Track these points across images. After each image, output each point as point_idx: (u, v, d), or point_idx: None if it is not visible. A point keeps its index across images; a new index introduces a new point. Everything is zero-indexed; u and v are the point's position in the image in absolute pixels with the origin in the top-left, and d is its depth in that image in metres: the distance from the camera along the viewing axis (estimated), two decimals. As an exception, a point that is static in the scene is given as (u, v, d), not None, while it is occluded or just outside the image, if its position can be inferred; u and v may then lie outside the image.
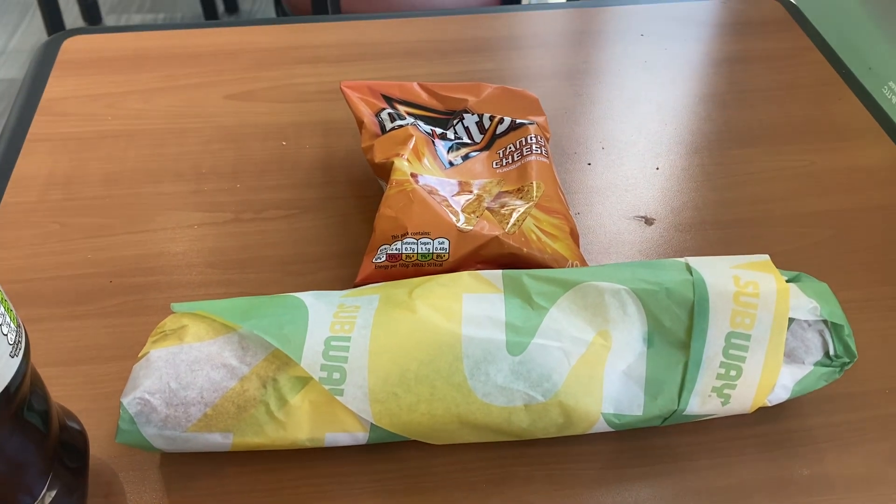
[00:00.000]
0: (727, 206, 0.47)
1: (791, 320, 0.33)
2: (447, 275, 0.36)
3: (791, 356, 0.34)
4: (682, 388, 0.33)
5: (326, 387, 0.31)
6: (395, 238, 0.39)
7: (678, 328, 0.33)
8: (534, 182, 0.42)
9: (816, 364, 0.34)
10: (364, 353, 0.31)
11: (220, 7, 1.92)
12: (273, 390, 0.31)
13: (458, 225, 0.39)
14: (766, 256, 0.35)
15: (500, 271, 0.35)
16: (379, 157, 0.43)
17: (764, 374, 0.33)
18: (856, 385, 0.38)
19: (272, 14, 1.91)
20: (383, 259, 0.39)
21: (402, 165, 0.41)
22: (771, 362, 0.33)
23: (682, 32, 0.61)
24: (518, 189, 0.42)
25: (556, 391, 0.32)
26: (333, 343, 0.31)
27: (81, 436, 0.32)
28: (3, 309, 0.26)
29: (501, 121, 0.46)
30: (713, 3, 0.64)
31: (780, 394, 0.34)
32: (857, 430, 0.36)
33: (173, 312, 0.34)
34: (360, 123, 0.45)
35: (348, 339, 0.32)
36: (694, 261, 0.35)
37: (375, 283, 0.38)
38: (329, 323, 0.32)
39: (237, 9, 1.93)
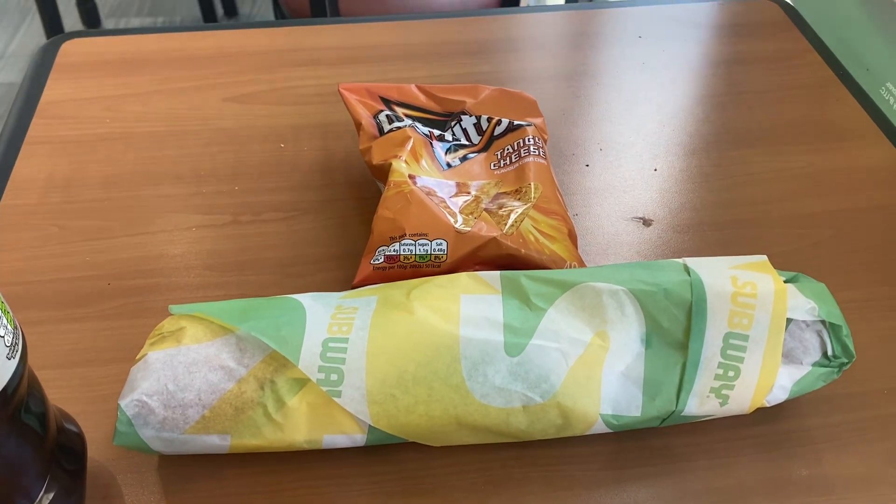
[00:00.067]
0: (725, 207, 0.47)
1: (789, 321, 0.33)
2: (445, 276, 0.36)
3: (789, 357, 0.34)
4: (681, 389, 0.33)
5: (324, 388, 0.31)
6: (392, 239, 0.39)
7: (676, 329, 0.33)
8: (532, 183, 0.42)
9: (815, 364, 0.34)
10: (362, 355, 0.31)
11: (219, 10, 1.92)
12: (271, 392, 0.31)
13: (456, 226, 0.39)
14: (764, 257, 0.35)
15: (497, 272, 0.35)
16: (377, 159, 0.43)
17: (762, 374, 0.33)
18: (854, 385, 0.38)
19: (271, 17, 1.91)
20: (381, 260, 0.39)
21: (400, 167, 0.41)
22: (769, 363, 0.33)
23: (680, 34, 0.61)
24: (516, 190, 0.42)
25: (555, 392, 0.32)
26: (331, 344, 0.31)
27: (79, 438, 0.32)
28: None
29: (499, 122, 0.46)
30: (711, 4, 0.64)
31: (778, 394, 0.34)
32: (856, 430, 0.36)
33: (171, 314, 0.34)
34: (358, 125, 0.45)
35: (346, 340, 0.32)
36: (692, 261, 0.35)
37: (373, 284, 0.38)
38: (327, 324, 0.32)
39: (236, 12, 1.93)
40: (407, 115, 0.46)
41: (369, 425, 0.32)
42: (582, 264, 0.40)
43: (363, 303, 0.34)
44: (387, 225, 0.39)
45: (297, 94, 0.54)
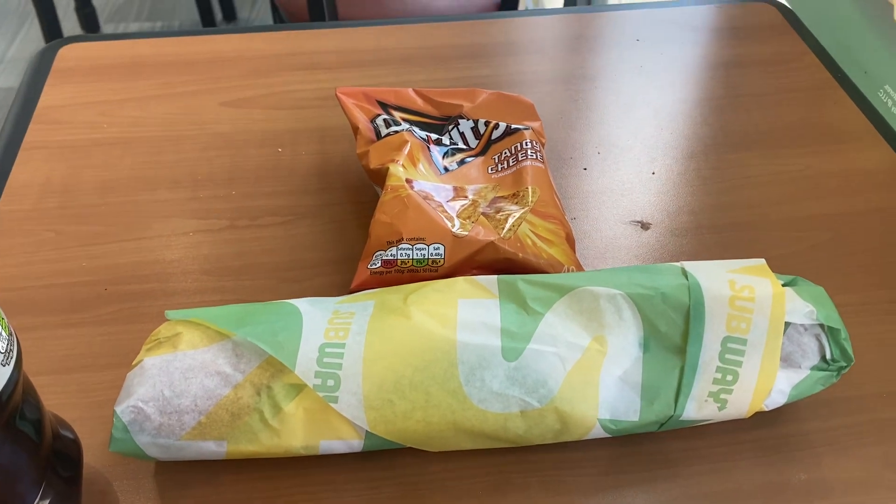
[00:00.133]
0: (723, 210, 0.47)
1: (787, 324, 0.33)
2: (442, 280, 0.36)
3: (788, 360, 0.33)
4: (679, 394, 0.33)
5: (321, 394, 0.31)
6: (390, 244, 0.39)
7: (674, 333, 0.33)
8: (529, 187, 0.42)
9: (813, 368, 0.34)
10: (358, 360, 0.31)
11: (218, 15, 1.92)
12: (267, 398, 0.31)
13: (454, 230, 0.39)
14: (762, 260, 0.35)
15: (495, 277, 0.35)
16: (374, 163, 0.43)
17: (760, 378, 0.33)
18: (853, 389, 0.38)
19: (270, 21, 1.91)
20: (378, 265, 0.39)
21: (398, 171, 0.41)
22: (767, 367, 0.33)
23: (677, 37, 0.61)
24: (513, 194, 0.42)
25: (552, 397, 0.32)
26: (328, 350, 0.31)
27: (75, 444, 0.32)
28: (-6, 317, 0.26)
29: (497, 126, 0.45)
30: (708, 7, 0.64)
31: (776, 398, 0.34)
32: (854, 434, 0.36)
33: (168, 320, 0.34)
34: (356, 129, 0.45)
35: (343, 345, 0.32)
36: (690, 265, 0.35)
37: (371, 289, 0.38)
38: (323, 329, 0.32)
39: (235, 16, 1.93)
40: (404, 120, 0.46)
41: (366, 431, 0.32)
42: (580, 268, 0.40)
43: (360, 308, 0.34)
44: (384, 229, 0.39)
45: (294, 98, 0.54)
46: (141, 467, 0.34)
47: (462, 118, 0.46)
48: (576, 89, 0.56)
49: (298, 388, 0.31)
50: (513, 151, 0.44)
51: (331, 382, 0.31)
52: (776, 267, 0.44)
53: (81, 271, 0.42)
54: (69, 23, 1.89)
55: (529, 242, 0.39)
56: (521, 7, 1.19)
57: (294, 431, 0.31)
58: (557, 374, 0.32)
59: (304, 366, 0.31)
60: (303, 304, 0.34)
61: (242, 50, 0.58)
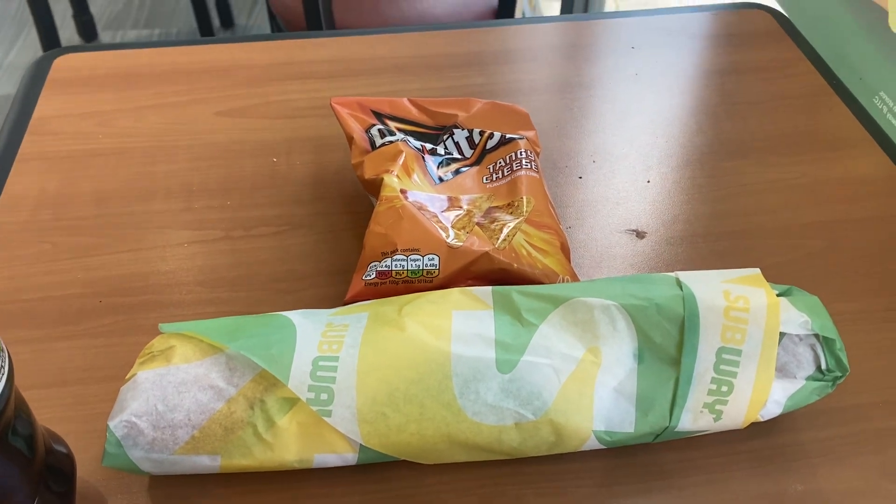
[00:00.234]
0: (719, 218, 0.47)
1: (782, 335, 0.33)
2: (437, 291, 0.36)
3: (783, 371, 0.33)
4: (674, 405, 0.33)
5: (314, 408, 0.31)
6: (384, 255, 0.39)
7: (669, 344, 0.33)
8: (524, 197, 0.42)
9: (808, 378, 0.34)
10: (352, 373, 0.31)
11: (216, 22, 1.92)
12: (260, 412, 0.31)
13: (448, 241, 0.39)
14: (757, 270, 0.35)
15: (489, 288, 0.35)
16: (369, 174, 0.43)
17: (755, 389, 0.33)
18: (849, 398, 0.38)
19: (268, 27, 1.92)
20: (373, 276, 0.38)
21: (392, 182, 0.41)
22: (762, 377, 0.33)
23: (673, 44, 0.61)
24: (508, 204, 0.42)
25: (547, 409, 0.32)
26: (321, 363, 0.31)
27: (68, 459, 0.32)
28: (-15, 334, 0.26)
29: (491, 136, 0.45)
30: (704, 14, 0.64)
31: (772, 409, 0.34)
32: (851, 443, 0.36)
33: (161, 333, 0.34)
34: (350, 140, 0.45)
35: (336, 358, 0.31)
36: (684, 275, 0.35)
37: (365, 300, 0.38)
38: (317, 342, 0.32)
39: (233, 23, 1.93)
40: (399, 129, 0.46)
41: (360, 444, 0.31)
42: (575, 278, 0.40)
43: (354, 320, 0.34)
44: (378, 240, 0.39)
45: (289, 107, 0.54)
46: (135, 482, 0.34)
47: (457, 128, 0.46)
48: (571, 97, 0.56)
49: (292, 401, 0.31)
50: (507, 161, 0.44)
51: (324, 396, 0.31)
52: (772, 275, 0.44)
53: (76, 283, 0.42)
54: (67, 30, 1.89)
55: (524, 253, 0.39)
56: (517, 13, 1.19)
57: (288, 445, 0.31)
58: (552, 385, 0.32)
59: (298, 379, 0.31)
60: (296, 316, 0.34)
61: (237, 59, 0.58)
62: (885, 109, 0.57)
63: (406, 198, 0.41)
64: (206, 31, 1.76)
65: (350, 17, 1.16)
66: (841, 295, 0.43)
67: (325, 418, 0.31)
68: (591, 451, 0.35)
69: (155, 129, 0.52)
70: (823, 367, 0.34)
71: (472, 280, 0.39)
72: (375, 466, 0.34)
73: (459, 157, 0.46)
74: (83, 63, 0.57)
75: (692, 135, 0.53)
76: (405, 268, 0.38)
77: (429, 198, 0.42)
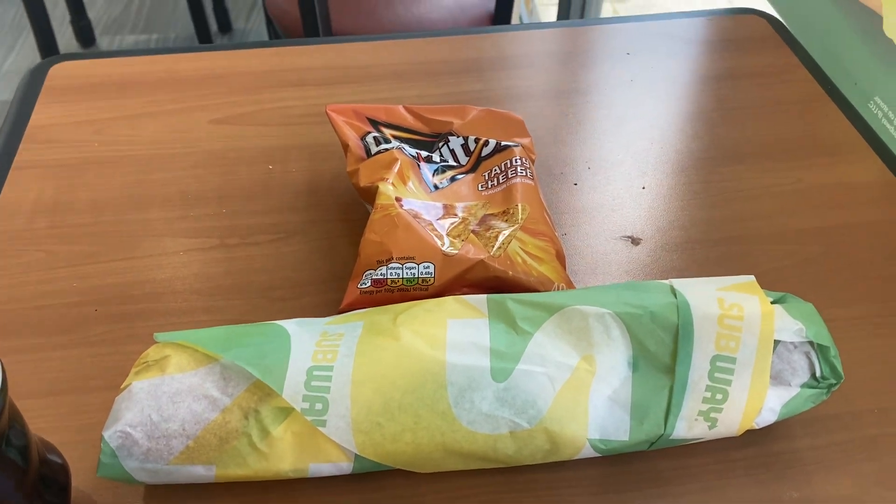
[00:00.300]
0: (714, 224, 0.47)
1: (777, 342, 0.33)
2: (432, 300, 0.36)
3: (777, 378, 0.33)
4: (668, 413, 0.33)
5: (308, 418, 0.31)
6: (380, 263, 0.39)
7: (663, 352, 0.33)
8: (519, 204, 0.42)
9: (803, 386, 0.34)
10: (347, 383, 0.31)
11: (213, 26, 1.93)
12: (255, 422, 0.31)
13: (444, 249, 0.39)
14: (752, 277, 0.35)
15: (484, 296, 0.35)
16: (364, 182, 0.43)
17: (750, 397, 0.33)
18: (844, 405, 0.38)
19: (265, 32, 1.92)
20: (368, 284, 0.38)
21: (387, 190, 0.41)
22: (757, 385, 0.33)
23: (668, 50, 0.61)
24: (503, 212, 0.42)
25: (542, 417, 0.32)
26: (315, 373, 0.31)
27: (63, 469, 0.32)
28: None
29: (487, 143, 0.46)
30: (699, 20, 0.65)
31: (767, 416, 0.34)
32: (846, 451, 0.36)
33: (156, 342, 0.34)
34: (346, 147, 0.45)
35: (331, 368, 0.31)
36: (678, 283, 0.35)
37: (361, 308, 0.38)
38: (311, 352, 0.32)
39: (230, 27, 1.93)
40: (395, 137, 0.46)
41: (355, 454, 0.31)
42: (570, 285, 0.40)
43: (349, 329, 0.34)
44: (374, 248, 0.39)
45: (285, 114, 0.54)
46: (130, 491, 0.34)
47: (452, 135, 0.46)
48: (566, 104, 0.56)
49: (286, 411, 0.31)
50: (503, 168, 0.44)
51: (319, 406, 0.31)
52: (768, 281, 0.44)
53: (71, 292, 0.42)
54: (65, 35, 1.90)
55: (519, 260, 0.39)
56: (514, 18, 1.19)
57: (282, 455, 0.31)
58: (546, 394, 0.32)
59: (292, 389, 0.31)
60: (291, 325, 0.34)
61: (233, 66, 0.58)
62: (880, 114, 0.57)
63: (401, 206, 0.41)
64: (203, 36, 1.77)
65: (347, 22, 1.16)
66: (836, 301, 0.43)
67: (320, 428, 0.31)
68: (586, 458, 0.35)
69: (151, 137, 0.52)
70: (818, 374, 0.34)
71: (468, 288, 0.39)
72: (370, 475, 0.34)
73: (455, 164, 0.46)
74: (79, 71, 0.57)
75: (687, 140, 0.53)
76: (400, 276, 0.38)
77: (424, 205, 0.42)
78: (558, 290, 0.39)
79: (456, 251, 0.39)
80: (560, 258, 0.41)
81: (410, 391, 0.31)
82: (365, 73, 0.58)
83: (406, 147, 0.45)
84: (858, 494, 0.34)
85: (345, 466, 0.32)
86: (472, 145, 0.46)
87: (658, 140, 0.53)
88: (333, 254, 0.45)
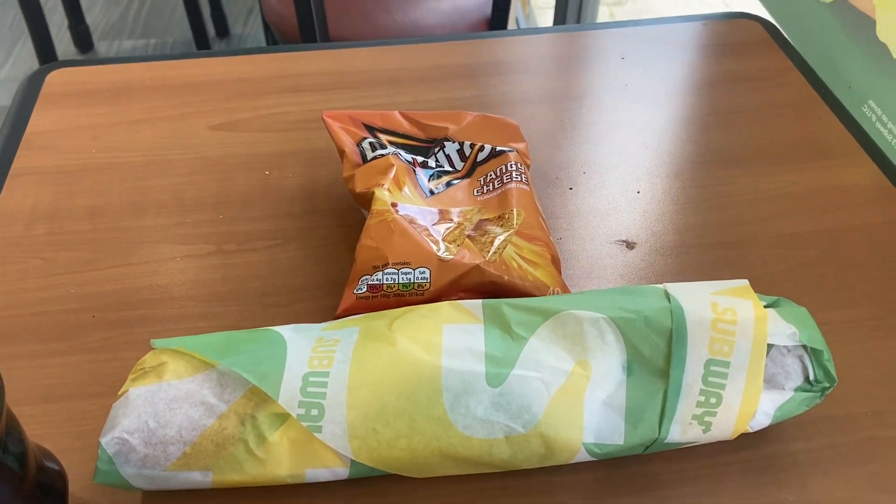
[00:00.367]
0: (709, 228, 0.47)
1: (770, 346, 0.33)
2: (428, 305, 0.36)
3: (771, 382, 0.34)
4: (663, 417, 0.33)
5: (304, 424, 0.31)
6: (376, 268, 0.39)
7: (657, 356, 0.33)
8: (514, 209, 0.42)
9: (797, 389, 0.34)
10: (342, 389, 0.31)
11: (211, 31, 1.93)
12: (252, 427, 0.31)
13: (439, 254, 0.39)
14: (745, 281, 0.35)
15: (480, 301, 0.36)
16: (360, 187, 0.43)
17: (744, 400, 0.33)
18: (838, 408, 0.38)
19: (262, 37, 1.92)
20: (364, 290, 0.39)
21: (383, 195, 0.41)
22: (751, 389, 0.33)
23: (662, 55, 0.61)
24: (499, 217, 0.42)
25: (537, 422, 0.32)
26: (311, 379, 0.31)
27: (60, 476, 0.32)
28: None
29: (482, 148, 0.46)
30: (693, 24, 0.65)
31: (761, 420, 0.34)
32: (841, 454, 0.36)
33: (153, 349, 0.34)
34: (342, 153, 0.45)
35: (327, 374, 0.32)
36: (673, 287, 0.35)
37: (357, 313, 0.38)
38: (307, 358, 0.32)
39: (228, 32, 1.94)
40: (390, 142, 0.46)
41: (351, 459, 0.32)
42: (565, 289, 0.40)
43: (345, 334, 0.34)
44: (370, 254, 0.39)
45: (282, 120, 0.54)
46: (128, 498, 0.34)
47: (448, 140, 0.47)
48: (561, 109, 0.56)
49: (283, 417, 0.31)
50: (498, 174, 0.44)
51: (315, 412, 0.31)
52: (762, 285, 0.44)
53: (69, 298, 0.42)
54: (63, 41, 1.90)
55: (515, 265, 0.39)
56: (510, 22, 1.20)
57: (279, 461, 0.31)
58: (541, 399, 0.32)
59: (288, 395, 0.31)
60: (287, 331, 0.34)
61: (230, 72, 0.58)
62: (873, 118, 0.58)
63: (397, 211, 0.41)
64: (201, 41, 1.77)
65: (344, 27, 1.17)
66: (831, 304, 0.43)
67: (316, 434, 0.31)
68: (581, 462, 0.35)
69: (148, 144, 0.52)
70: (811, 378, 0.34)
71: (464, 293, 0.40)
72: (367, 480, 0.34)
73: (451, 169, 0.46)
74: (76, 77, 0.58)
75: (682, 144, 0.53)
76: (396, 281, 0.39)
77: (420, 211, 0.42)
78: (553, 294, 0.40)
79: (451, 256, 0.39)
80: (555, 263, 0.41)
81: (406, 396, 0.31)
82: (361, 78, 0.58)
83: (402, 153, 0.45)
84: (854, 497, 0.34)
85: (341, 472, 0.32)
86: (467, 151, 0.46)
87: (653, 144, 0.53)
88: (330, 259, 0.45)
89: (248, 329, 0.35)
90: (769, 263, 0.45)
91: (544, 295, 0.39)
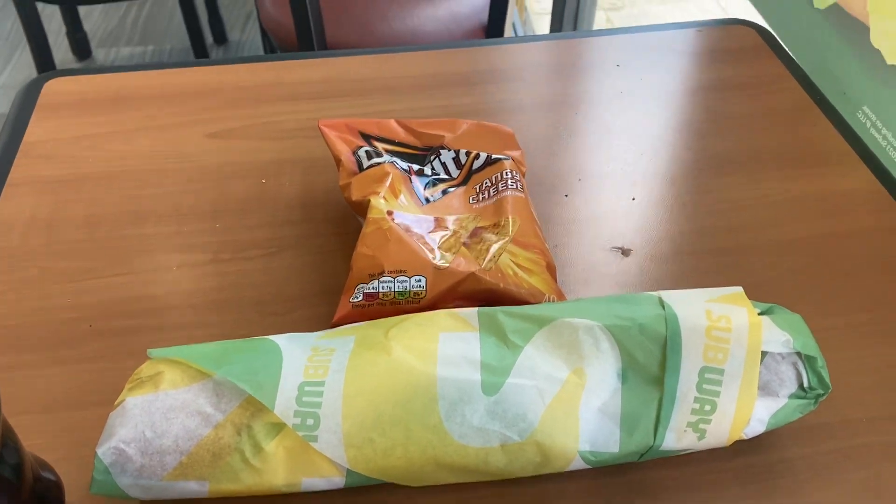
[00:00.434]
0: (704, 235, 0.47)
1: (764, 353, 0.34)
2: (423, 314, 0.36)
3: (765, 389, 0.34)
4: (658, 424, 0.33)
5: (300, 433, 0.31)
6: (371, 277, 0.39)
7: (652, 364, 0.33)
8: (510, 217, 0.42)
9: (791, 396, 0.34)
10: (338, 398, 0.31)
11: (209, 38, 1.93)
12: (248, 437, 0.31)
13: (435, 262, 0.39)
14: (740, 288, 0.36)
15: (475, 309, 0.36)
16: (356, 196, 0.43)
17: (738, 408, 0.33)
18: (833, 414, 0.38)
19: (260, 43, 1.92)
20: (360, 298, 0.39)
21: (379, 204, 0.41)
22: (745, 396, 0.33)
23: (657, 61, 0.62)
24: (494, 224, 0.42)
25: (532, 430, 0.32)
26: (307, 388, 0.31)
27: (56, 486, 0.32)
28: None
29: (478, 156, 0.46)
30: (688, 31, 0.65)
31: (755, 427, 0.34)
32: (836, 459, 0.36)
33: (150, 358, 0.34)
34: (338, 161, 0.46)
35: (322, 383, 0.32)
36: (667, 294, 0.35)
37: (353, 322, 0.39)
38: (303, 368, 0.32)
39: (226, 39, 1.94)
40: (387, 151, 0.47)
41: (347, 468, 0.32)
42: (561, 297, 0.41)
43: (340, 343, 0.34)
44: (366, 262, 0.39)
45: (278, 128, 0.55)
46: (124, 507, 0.34)
47: (444, 148, 0.47)
48: (557, 116, 0.56)
49: (279, 426, 0.31)
50: (493, 181, 0.44)
51: (310, 421, 0.31)
52: (757, 292, 0.44)
53: (66, 308, 0.42)
54: (61, 48, 1.90)
55: (510, 273, 0.40)
56: (507, 28, 1.20)
57: (275, 470, 0.31)
58: (537, 407, 0.32)
59: (283, 405, 0.31)
60: (283, 340, 0.34)
61: (227, 81, 0.59)
62: (868, 124, 0.58)
63: (393, 219, 0.41)
64: (199, 47, 1.77)
65: (341, 34, 1.17)
66: (825, 310, 0.43)
67: (312, 443, 0.31)
68: (577, 470, 0.35)
69: (145, 152, 0.52)
70: (806, 385, 0.34)
71: (460, 301, 0.40)
72: (363, 489, 0.34)
73: (446, 177, 0.46)
74: (74, 86, 0.58)
75: (678, 151, 0.53)
76: (392, 289, 0.39)
77: (415, 219, 0.42)
78: (549, 301, 0.40)
79: (447, 264, 0.39)
80: (550, 270, 0.41)
81: (401, 405, 0.32)
82: (358, 86, 0.58)
83: (398, 161, 0.46)
84: (849, 503, 0.34)
85: (337, 481, 0.32)
86: (463, 158, 0.46)
87: (648, 151, 0.53)
88: (327, 267, 0.45)
89: (245, 338, 0.36)
90: (764, 270, 0.45)
91: (540, 302, 0.39)
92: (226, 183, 0.50)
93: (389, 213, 0.41)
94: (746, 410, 0.33)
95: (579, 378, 0.33)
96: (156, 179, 0.50)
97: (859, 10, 0.58)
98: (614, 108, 0.57)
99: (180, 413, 0.31)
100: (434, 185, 0.46)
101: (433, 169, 0.46)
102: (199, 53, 1.77)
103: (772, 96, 0.58)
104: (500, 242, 0.41)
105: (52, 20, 1.98)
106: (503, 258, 0.40)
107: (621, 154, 0.53)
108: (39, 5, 1.92)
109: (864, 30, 0.57)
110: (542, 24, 1.91)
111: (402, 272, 0.39)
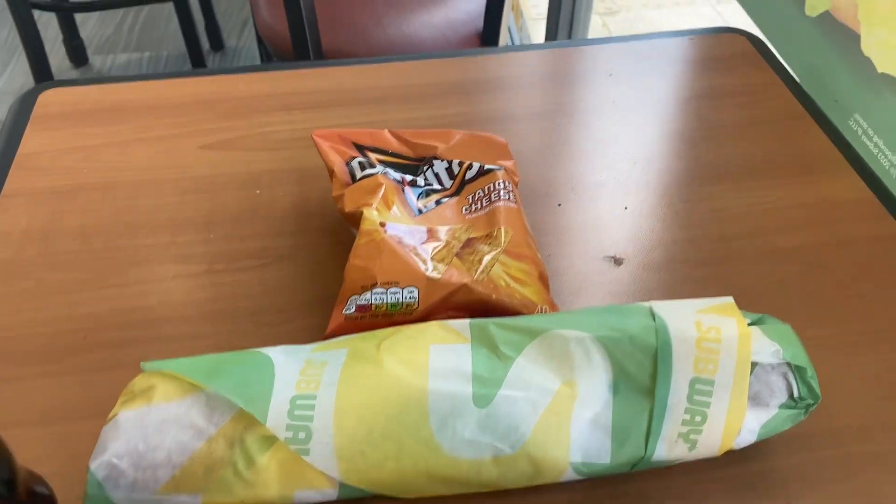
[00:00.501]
0: (696, 243, 0.48)
1: (754, 364, 0.34)
2: (415, 325, 0.36)
3: (756, 399, 0.34)
4: (649, 435, 0.33)
5: (292, 447, 0.31)
6: (364, 288, 0.39)
7: (643, 375, 0.33)
8: (502, 228, 0.42)
9: (781, 406, 0.34)
10: (330, 411, 0.32)
11: (205, 45, 1.94)
12: (240, 451, 0.31)
13: (427, 273, 0.39)
14: (730, 299, 0.36)
15: (467, 321, 0.36)
16: (349, 207, 0.43)
17: (729, 418, 0.33)
18: (824, 423, 0.38)
19: (256, 51, 1.93)
20: (353, 310, 0.39)
21: (372, 215, 0.42)
22: (735, 407, 0.33)
23: (649, 70, 0.62)
24: (486, 235, 0.43)
25: (524, 442, 0.32)
26: (299, 402, 0.32)
27: (50, 501, 0.32)
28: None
29: (470, 166, 0.46)
30: (680, 39, 0.65)
31: (746, 437, 0.34)
32: (827, 468, 0.36)
33: (143, 371, 0.35)
34: (332, 172, 0.46)
35: (314, 397, 0.32)
36: (658, 305, 0.36)
37: (346, 333, 0.39)
38: (295, 381, 0.32)
39: (222, 46, 1.94)
40: (380, 161, 0.47)
41: (339, 481, 0.32)
42: (553, 307, 0.41)
43: (332, 356, 0.34)
44: (358, 273, 0.40)
45: (273, 139, 0.55)
46: (117, 520, 0.34)
47: (436, 159, 0.47)
48: (550, 125, 0.57)
49: (272, 440, 0.31)
50: (486, 192, 0.45)
51: (302, 435, 0.31)
52: (749, 301, 0.44)
53: (61, 320, 0.43)
54: (57, 55, 1.90)
55: (503, 284, 0.40)
56: (503, 34, 1.20)
57: (268, 483, 0.32)
58: (528, 419, 0.32)
59: (276, 419, 0.31)
60: (276, 353, 0.34)
61: (222, 91, 0.59)
62: (859, 131, 0.58)
63: (385, 231, 0.41)
64: (195, 54, 1.78)
65: (337, 41, 1.17)
66: (816, 320, 0.43)
67: (304, 457, 0.31)
68: (569, 481, 0.35)
69: (140, 163, 0.53)
70: (796, 395, 0.34)
71: (452, 311, 0.40)
72: (356, 501, 0.35)
73: (439, 187, 0.46)
74: (68, 97, 0.58)
75: (670, 160, 0.54)
76: (385, 301, 0.39)
77: (408, 230, 0.42)
78: (541, 312, 0.40)
79: (440, 275, 0.39)
80: (543, 280, 0.42)
81: (393, 419, 0.32)
82: (352, 96, 0.59)
83: (391, 171, 0.46)
84: (838, 513, 0.35)
85: (330, 493, 0.32)
86: (455, 169, 0.47)
87: (640, 160, 0.54)
88: (321, 278, 0.45)
89: (237, 351, 0.36)
90: (756, 279, 0.45)
91: (532, 312, 0.39)
92: (220, 194, 0.50)
93: (382, 224, 0.41)
94: (737, 421, 0.33)
95: (571, 390, 0.33)
96: (150, 190, 0.51)
97: (850, 19, 0.58)
98: (607, 117, 0.57)
99: (173, 426, 0.32)
100: (427, 195, 0.46)
101: (426, 179, 0.47)
102: (196, 60, 1.77)
103: (763, 104, 0.59)
104: (493, 253, 0.41)
105: (49, 27, 1.98)
106: (495, 269, 0.40)
107: (614, 163, 0.53)
108: (36, 12, 1.92)
109: (855, 38, 0.58)
110: (538, 29, 1.92)
111: (394, 283, 0.39)
